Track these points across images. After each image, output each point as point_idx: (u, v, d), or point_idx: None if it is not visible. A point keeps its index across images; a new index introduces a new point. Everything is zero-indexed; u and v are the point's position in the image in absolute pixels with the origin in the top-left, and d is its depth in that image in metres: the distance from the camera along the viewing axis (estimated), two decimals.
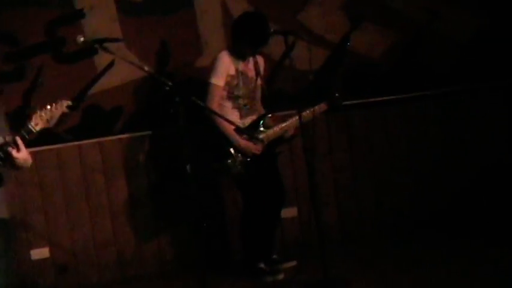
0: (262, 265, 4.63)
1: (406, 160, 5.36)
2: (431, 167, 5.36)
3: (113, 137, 4.97)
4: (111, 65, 4.86)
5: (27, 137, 3.25)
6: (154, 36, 5.00)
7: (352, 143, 5.31)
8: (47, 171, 4.87)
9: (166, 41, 5.03)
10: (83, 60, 4.89)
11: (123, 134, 4.99)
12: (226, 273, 4.81)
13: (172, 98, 3.75)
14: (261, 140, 4.46)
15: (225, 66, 4.47)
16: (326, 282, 4.18)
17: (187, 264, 4.99)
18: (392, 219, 5.29)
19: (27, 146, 3.27)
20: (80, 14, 4.89)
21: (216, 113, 4.26)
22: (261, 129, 4.57)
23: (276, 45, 4.71)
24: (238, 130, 4.40)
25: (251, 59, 4.60)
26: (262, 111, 4.68)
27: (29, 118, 3.26)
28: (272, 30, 4.40)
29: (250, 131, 4.47)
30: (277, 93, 5.00)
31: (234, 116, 4.51)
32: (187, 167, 3.76)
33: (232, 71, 4.51)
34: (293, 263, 4.71)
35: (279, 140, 4.61)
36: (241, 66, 4.56)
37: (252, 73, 4.61)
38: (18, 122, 4.68)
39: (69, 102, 3.35)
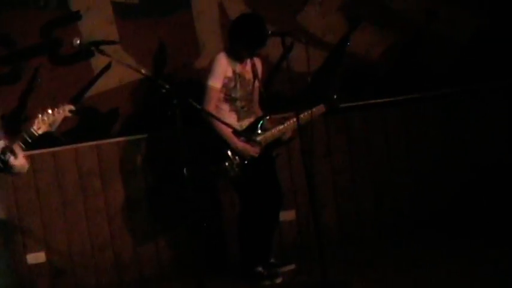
0: (260, 269, 4.62)
1: (406, 161, 5.35)
2: (431, 168, 5.35)
3: (109, 140, 4.97)
4: (107, 67, 4.86)
5: (29, 140, 3.29)
6: (151, 38, 4.99)
7: (351, 144, 5.30)
8: (44, 174, 4.86)
9: (164, 42, 5.01)
10: (79, 63, 4.88)
11: (120, 136, 4.98)
12: (224, 277, 4.80)
13: (170, 101, 3.75)
14: (259, 143, 4.44)
15: (222, 68, 4.46)
16: (325, 285, 4.16)
17: (185, 268, 4.98)
18: (391, 221, 5.29)
19: (26, 149, 3.31)
20: (77, 16, 4.88)
21: (213, 116, 4.25)
22: (259, 131, 4.55)
23: (273, 47, 4.70)
24: (236, 133, 4.38)
25: (248, 61, 4.59)
26: (259, 113, 4.67)
27: (31, 122, 3.31)
28: (270, 32, 4.38)
29: (248, 134, 4.46)
30: (274, 95, 4.98)
31: (231, 118, 4.50)
32: (185, 170, 3.75)
33: (230, 73, 4.50)
34: (291, 267, 4.69)
35: (277, 142, 4.60)
36: (238, 68, 4.54)
37: (249, 75, 4.59)
38: (14, 125, 4.69)
39: (72, 107, 3.40)
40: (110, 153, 4.95)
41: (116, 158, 4.96)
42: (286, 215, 5.07)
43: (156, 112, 4.88)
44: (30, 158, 4.23)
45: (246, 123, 4.57)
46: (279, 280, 4.58)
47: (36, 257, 4.83)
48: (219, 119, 4.19)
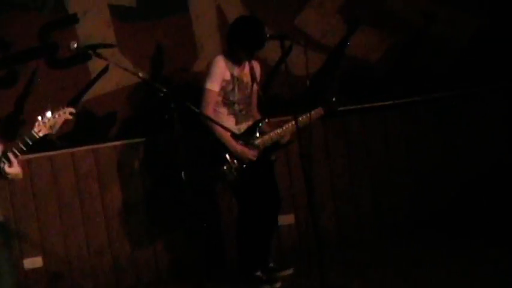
0: (259, 273, 4.61)
1: (405, 164, 5.35)
2: (430, 170, 5.36)
3: (107, 143, 4.95)
4: (105, 70, 4.84)
5: (30, 143, 3.30)
6: (149, 41, 4.98)
7: (350, 147, 5.30)
8: (40, 178, 4.83)
9: (161, 45, 5.00)
10: (76, 66, 4.86)
11: (117, 140, 4.96)
12: (223, 281, 4.78)
13: (167, 104, 3.73)
14: (257, 146, 4.43)
15: (220, 71, 4.45)
16: None
17: (183, 272, 4.97)
18: (390, 223, 5.29)
19: (26, 152, 3.32)
20: (74, 19, 4.86)
21: (211, 119, 4.23)
22: (257, 135, 4.54)
23: (272, 50, 4.68)
24: (234, 136, 4.37)
25: (247, 64, 4.58)
26: (258, 116, 4.66)
27: (32, 124, 3.32)
28: (268, 35, 4.38)
29: (246, 137, 4.44)
30: (273, 98, 4.98)
31: (229, 122, 4.49)
32: (183, 173, 3.73)
33: (228, 76, 4.48)
34: (290, 271, 4.68)
35: (275, 145, 4.58)
36: (236, 71, 4.52)
37: (247, 78, 4.58)
38: (10, 129, 4.66)
39: (73, 110, 3.42)
40: (107, 157, 4.93)
41: (113, 161, 4.94)
42: (285, 219, 5.07)
43: (153, 116, 4.87)
44: (26, 162, 4.22)
45: (244, 126, 4.56)
46: (278, 285, 4.56)
47: (33, 262, 4.80)
48: (217, 123, 4.18)
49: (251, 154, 4.44)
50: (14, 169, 3.29)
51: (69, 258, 4.89)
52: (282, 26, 4.97)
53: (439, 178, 5.37)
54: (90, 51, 3.91)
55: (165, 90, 3.75)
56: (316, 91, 4.94)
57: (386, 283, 4.36)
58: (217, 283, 4.67)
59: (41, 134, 3.34)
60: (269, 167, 4.66)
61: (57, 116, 3.38)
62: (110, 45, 4.83)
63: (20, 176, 3.35)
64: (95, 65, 4.82)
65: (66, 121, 3.43)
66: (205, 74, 4.50)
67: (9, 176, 3.30)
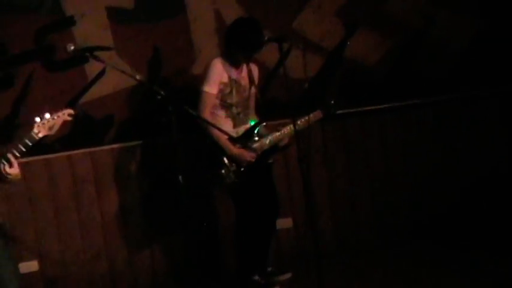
0: (256, 277, 4.60)
1: (403, 167, 5.35)
2: (429, 174, 5.36)
3: (104, 146, 4.93)
4: (102, 73, 4.83)
5: (30, 144, 3.32)
6: (146, 43, 4.97)
7: (349, 151, 5.30)
8: (36, 182, 4.81)
9: (159, 48, 4.99)
10: (73, 69, 4.84)
11: (115, 143, 4.94)
12: (220, 285, 4.77)
13: (165, 107, 3.72)
14: (255, 150, 4.42)
15: (218, 74, 4.44)
16: None
17: (181, 276, 4.95)
18: (389, 227, 5.29)
19: (25, 153, 3.35)
20: (71, 21, 4.84)
21: (208, 122, 4.22)
22: (255, 138, 4.52)
23: (270, 53, 4.67)
24: (232, 140, 4.36)
25: (244, 67, 4.56)
26: (256, 120, 4.63)
27: (30, 126, 3.34)
28: (266, 37, 4.37)
29: (244, 141, 4.43)
30: (271, 101, 4.97)
31: (227, 125, 4.47)
32: (180, 177, 3.71)
33: (225, 79, 4.47)
34: (288, 275, 4.66)
35: (273, 149, 4.57)
36: (234, 73, 4.51)
37: (245, 81, 4.57)
38: (7, 131, 4.63)
39: (71, 111, 3.44)
40: (104, 160, 4.92)
41: (110, 165, 4.93)
42: (283, 223, 5.05)
43: (151, 119, 4.86)
44: (22, 165, 4.18)
45: (242, 129, 4.55)
46: None
47: (28, 266, 4.77)
48: (214, 126, 4.17)
49: (249, 157, 4.42)
50: (14, 170, 3.29)
51: (65, 262, 4.87)
52: (280, 29, 4.96)
53: (438, 181, 5.37)
54: (87, 54, 3.92)
55: (162, 93, 3.75)
56: (315, 94, 4.94)
57: (386, 286, 4.35)
58: (215, 287, 4.64)
59: (40, 135, 3.34)
60: (267, 170, 4.64)
61: (56, 117, 3.39)
62: (107, 48, 4.80)
63: (19, 176, 3.35)
64: (92, 67, 4.80)
65: (65, 122, 3.45)
66: (202, 77, 4.49)
67: (9, 177, 3.30)
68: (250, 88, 4.58)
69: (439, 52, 5.36)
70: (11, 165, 3.28)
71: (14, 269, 3.38)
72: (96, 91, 4.87)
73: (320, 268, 4.06)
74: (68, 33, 4.80)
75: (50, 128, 3.38)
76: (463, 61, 5.40)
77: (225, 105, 4.50)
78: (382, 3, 5.32)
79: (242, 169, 4.43)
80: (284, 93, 4.49)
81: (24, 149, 3.32)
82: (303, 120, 4.42)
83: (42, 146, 4.54)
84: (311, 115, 4.47)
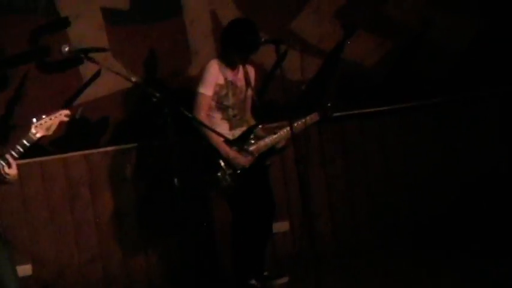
0: (253, 281, 4.57)
1: (402, 169, 5.34)
2: (428, 175, 5.35)
3: (99, 149, 4.91)
4: (97, 75, 4.81)
5: (28, 144, 3.35)
6: (142, 45, 4.95)
7: (347, 153, 5.28)
8: (31, 184, 4.78)
9: (155, 50, 4.97)
10: (68, 70, 4.82)
11: (110, 146, 4.93)
12: None
13: (161, 109, 3.71)
14: (251, 152, 4.40)
15: (214, 75, 4.43)
16: None
17: (176, 280, 4.92)
18: (388, 229, 5.27)
19: (23, 155, 3.39)
20: (65, 23, 4.82)
21: (204, 125, 4.20)
22: (252, 141, 4.50)
23: (267, 55, 4.66)
24: (228, 142, 4.34)
25: (241, 69, 4.55)
26: (252, 122, 4.63)
27: (27, 127, 3.37)
28: (263, 39, 4.38)
29: (240, 143, 4.41)
30: (268, 103, 4.96)
31: (223, 127, 4.46)
32: (175, 180, 3.70)
33: (221, 81, 4.46)
34: (285, 279, 4.64)
35: (270, 151, 4.55)
36: (230, 75, 4.50)
37: (241, 83, 4.56)
38: (1, 132, 4.60)
39: (68, 112, 3.47)
40: (100, 162, 4.90)
41: (105, 167, 4.91)
42: (280, 226, 5.04)
43: (146, 121, 4.84)
44: (16, 168, 4.14)
45: (238, 132, 4.53)
46: None
47: (22, 270, 4.69)
48: (210, 128, 4.16)
49: (244, 160, 4.40)
50: (12, 170, 3.32)
51: (59, 266, 4.84)
52: (278, 30, 4.95)
53: (438, 182, 5.36)
54: (82, 55, 3.91)
55: (158, 95, 3.74)
56: (312, 96, 4.92)
57: None
58: None
59: (38, 136, 3.38)
60: (264, 173, 4.62)
61: (53, 117, 3.42)
62: (103, 49, 4.75)
63: (17, 177, 3.39)
64: (87, 69, 4.78)
65: (62, 123, 3.47)
66: (198, 79, 4.48)
67: (7, 177, 3.33)
68: (246, 90, 4.57)
69: (438, 53, 5.36)
70: (9, 166, 3.31)
71: (14, 271, 3.40)
72: (91, 93, 4.85)
73: (318, 271, 4.05)
74: (63, 35, 4.77)
75: (48, 129, 3.41)
76: (462, 62, 5.39)
77: (221, 107, 4.48)
78: (381, 4, 5.31)
79: (238, 172, 4.41)
80: (281, 95, 4.50)
81: (22, 150, 3.35)
82: (299, 122, 4.42)
83: (36, 148, 4.49)
84: (308, 117, 4.46)
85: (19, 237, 4.75)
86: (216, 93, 4.44)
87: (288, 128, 4.29)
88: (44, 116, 3.40)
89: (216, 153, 4.39)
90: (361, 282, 4.51)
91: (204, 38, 5.02)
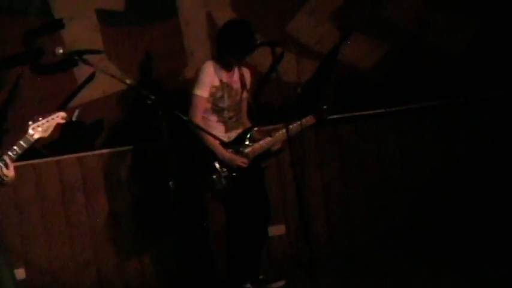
0: (248, 285, 4.56)
1: (399, 172, 5.33)
2: (425, 178, 5.34)
3: (93, 152, 4.89)
4: (91, 77, 4.79)
5: (25, 146, 3.39)
6: (137, 47, 4.93)
7: (343, 156, 5.28)
8: (24, 187, 4.75)
9: (150, 51, 4.95)
10: (62, 72, 4.80)
11: (104, 148, 4.91)
12: None
13: (156, 112, 3.68)
14: (247, 155, 4.38)
15: (209, 77, 4.42)
16: None
17: (172, 284, 4.91)
18: (384, 232, 5.26)
19: (20, 157, 3.42)
20: (60, 24, 4.80)
21: (199, 127, 4.19)
22: (247, 143, 4.49)
23: (263, 57, 4.65)
24: (223, 145, 4.32)
25: (236, 71, 4.54)
26: (248, 124, 4.62)
27: (24, 128, 3.41)
28: (259, 41, 4.38)
29: (236, 146, 4.39)
30: (264, 106, 4.95)
31: (219, 129, 4.45)
32: (170, 183, 3.67)
33: (217, 82, 4.45)
34: (281, 283, 4.62)
35: (266, 154, 4.54)
36: (225, 77, 4.49)
37: (237, 85, 4.55)
38: None
39: (64, 114, 3.51)
40: (94, 165, 4.88)
41: (99, 170, 4.89)
42: (276, 230, 5.02)
43: (141, 123, 4.82)
44: None
45: (233, 134, 4.52)
46: None
47: (15, 274, 4.68)
48: (206, 131, 4.14)
49: (240, 160, 4.38)
50: (10, 172, 3.36)
51: (53, 270, 4.82)
52: (274, 33, 4.94)
53: (434, 185, 5.36)
54: (76, 57, 3.91)
55: (153, 97, 3.75)
56: (308, 98, 4.91)
57: None
58: None
59: (35, 137, 3.42)
60: (259, 176, 4.61)
61: (50, 119, 3.46)
62: (97, 51, 4.78)
63: (14, 179, 3.43)
64: (81, 71, 4.77)
65: (58, 125, 3.50)
66: (193, 80, 4.47)
67: (5, 179, 3.36)
68: (242, 92, 4.56)
69: (435, 55, 5.35)
70: (7, 168, 3.34)
71: (12, 274, 3.43)
72: (86, 95, 4.83)
73: (314, 274, 4.03)
74: (57, 36, 4.76)
75: (45, 131, 3.45)
76: (460, 64, 5.39)
77: (217, 109, 4.46)
78: (377, 7, 5.30)
79: (234, 174, 4.39)
80: (277, 97, 4.48)
81: (20, 151, 3.39)
82: (295, 125, 4.40)
83: (30, 150, 4.44)
84: (304, 120, 4.46)
85: (12, 240, 4.70)
86: (211, 95, 4.42)
87: (284, 131, 4.29)
88: (40, 118, 3.43)
89: (212, 156, 4.37)
90: (356, 285, 4.51)
91: (199, 40, 5.00)
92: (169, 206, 4.02)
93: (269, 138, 4.46)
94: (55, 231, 4.82)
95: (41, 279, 4.78)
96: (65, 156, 4.82)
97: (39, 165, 4.77)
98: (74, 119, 4.47)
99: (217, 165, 4.37)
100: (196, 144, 4.38)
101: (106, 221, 4.90)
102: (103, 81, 4.73)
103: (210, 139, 4.25)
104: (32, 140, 3.40)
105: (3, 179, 3.36)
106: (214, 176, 4.38)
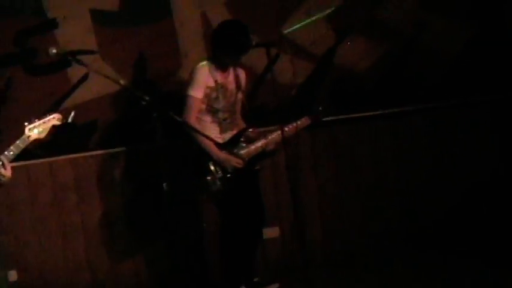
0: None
1: (394, 175, 5.33)
2: (421, 181, 5.34)
3: (86, 153, 4.88)
4: (85, 77, 4.77)
5: (22, 146, 3.46)
6: (131, 47, 4.92)
7: (338, 158, 5.27)
8: (16, 189, 4.72)
9: (144, 52, 4.94)
10: (55, 73, 4.78)
11: (98, 150, 4.90)
12: None
13: (149, 113, 3.67)
14: (241, 156, 4.37)
15: (204, 78, 4.40)
16: None
17: (166, 285, 4.90)
18: (379, 236, 5.26)
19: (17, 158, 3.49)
20: (53, 24, 4.78)
21: (194, 129, 4.17)
22: (242, 144, 4.47)
23: (258, 58, 4.63)
24: (218, 146, 4.31)
25: (231, 72, 4.52)
26: (242, 125, 4.61)
27: (22, 130, 3.48)
28: (254, 42, 4.36)
29: (230, 148, 4.38)
30: (259, 107, 4.94)
31: (213, 130, 4.43)
32: (164, 185, 3.66)
33: (211, 83, 4.43)
34: (276, 286, 4.61)
35: (260, 155, 4.52)
36: (220, 78, 4.48)
37: (232, 86, 4.53)
38: None
39: (61, 116, 3.58)
40: (87, 167, 4.87)
41: (92, 172, 4.88)
42: (270, 232, 5.00)
43: (135, 124, 4.80)
44: None
45: (228, 135, 4.50)
46: None
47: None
48: (200, 132, 4.13)
49: (235, 161, 4.36)
50: (7, 172, 3.43)
51: (45, 272, 4.80)
52: (269, 34, 4.92)
53: (429, 188, 5.35)
54: (69, 58, 3.90)
55: (147, 98, 3.72)
56: (303, 100, 4.90)
57: None
58: None
59: (31, 139, 3.48)
60: (253, 177, 4.59)
61: (46, 121, 3.51)
62: (91, 52, 4.76)
63: (11, 179, 3.48)
64: (75, 72, 4.75)
65: (54, 127, 3.57)
66: (188, 81, 4.45)
67: (3, 179, 3.42)
68: (237, 93, 4.55)
69: (431, 57, 5.35)
70: (4, 168, 3.40)
71: (4, 276, 3.44)
72: (79, 96, 4.81)
73: (308, 276, 4.02)
74: (51, 36, 4.74)
75: (40, 132, 3.51)
76: (456, 66, 5.38)
77: (212, 110, 4.45)
78: (373, 8, 5.29)
79: (229, 175, 4.37)
80: (272, 99, 4.47)
81: (16, 152, 3.43)
82: (290, 126, 4.40)
83: (22, 151, 4.44)
84: (299, 122, 4.45)
85: (4, 242, 4.69)
86: (206, 96, 4.41)
87: (279, 132, 4.29)
88: (36, 120, 3.48)
89: (206, 157, 4.35)
90: (351, 287, 4.49)
91: (194, 40, 4.98)
92: (163, 208, 4.00)
93: (264, 140, 4.44)
94: (47, 233, 4.80)
95: (32, 282, 4.76)
96: (58, 158, 4.81)
97: (32, 167, 4.75)
98: (70, 120, 4.43)
99: (211, 166, 4.36)
100: (191, 145, 4.36)
101: (99, 223, 4.88)
102: (97, 82, 4.70)
103: (205, 140, 4.23)
104: (28, 141, 3.46)
105: (0, 179, 3.40)
106: (208, 178, 4.36)
